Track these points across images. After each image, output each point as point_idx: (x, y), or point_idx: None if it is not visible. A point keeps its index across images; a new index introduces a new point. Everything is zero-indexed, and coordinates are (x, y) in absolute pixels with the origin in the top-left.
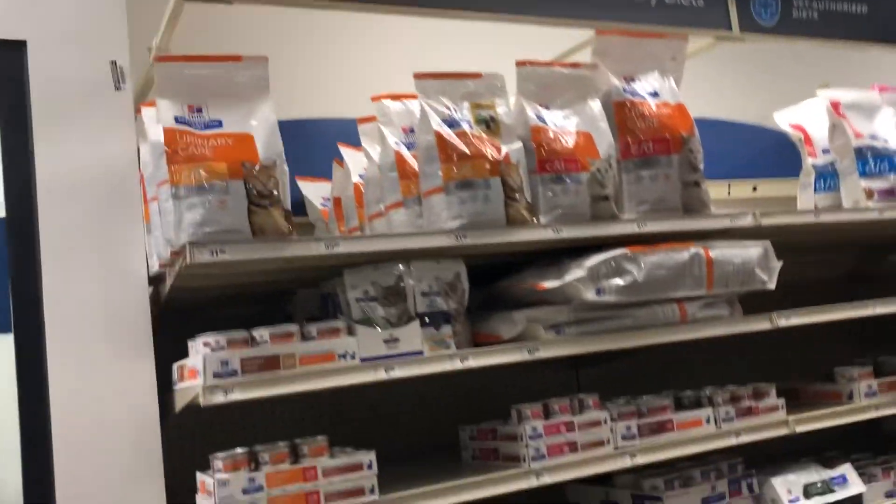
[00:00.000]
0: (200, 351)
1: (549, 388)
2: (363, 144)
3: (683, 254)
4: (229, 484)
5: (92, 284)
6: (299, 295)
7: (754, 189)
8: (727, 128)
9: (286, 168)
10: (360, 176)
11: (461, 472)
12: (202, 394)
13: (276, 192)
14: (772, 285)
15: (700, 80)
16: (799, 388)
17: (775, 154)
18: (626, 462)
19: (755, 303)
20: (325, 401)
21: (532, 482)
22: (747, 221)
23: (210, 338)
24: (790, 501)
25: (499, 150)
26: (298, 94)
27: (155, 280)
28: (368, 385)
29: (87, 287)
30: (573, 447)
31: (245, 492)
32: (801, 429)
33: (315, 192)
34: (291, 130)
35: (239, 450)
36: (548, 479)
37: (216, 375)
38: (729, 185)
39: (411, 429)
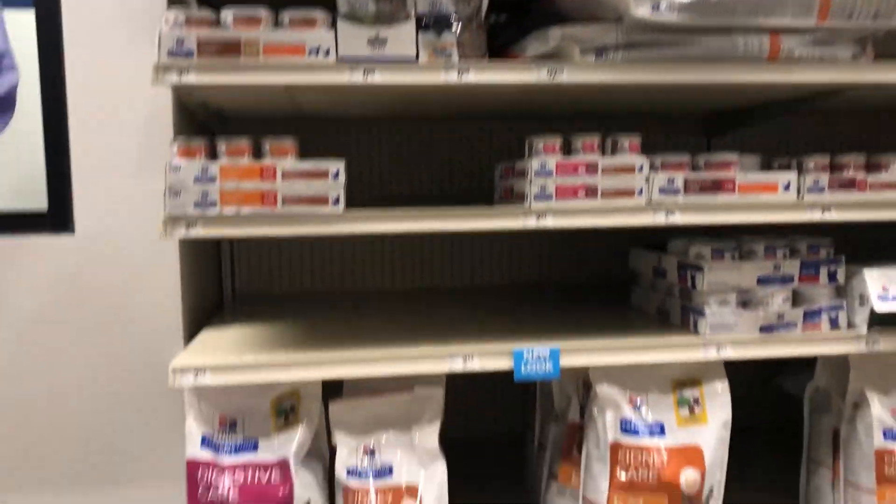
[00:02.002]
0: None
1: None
2: None
3: None
4: (181, 170)
5: None
6: None
7: None
8: None
9: None
10: None
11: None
12: (155, 74)
13: None
14: None
15: None
16: None
17: None
18: (661, 219)
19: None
20: None
21: (530, 222)
22: None
23: (171, 13)
24: (881, 298)
25: None
26: None
27: None
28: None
29: None
30: (591, 192)
31: (196, 180)
32: None
33: None
34: None
35: (199, 138)
36: (550, 222)
37: (171, 54)
38: None
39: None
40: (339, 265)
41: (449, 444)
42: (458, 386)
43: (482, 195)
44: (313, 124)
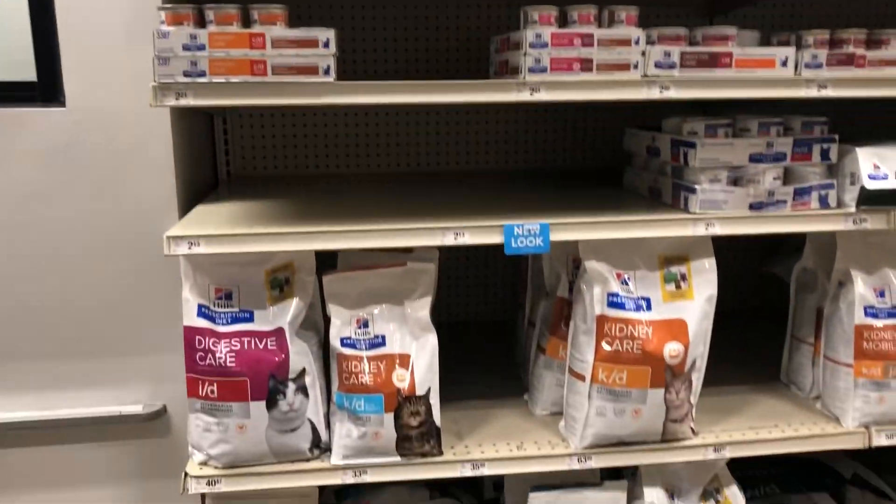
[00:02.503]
0: None
1: None
2: None
3: None
4: (170, 36)
5: None
6: None
7: None
8: None
9: None
10: None
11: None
12: None
13: None
14: None
15: None
16: None
17: None
18: (655, 93)
19: None
20: None
21: (524, 96)
22: None
23: None
24: (871, 177)
25: None
26: None
27: None
28: None
29: None
30: (587, 65)
31: (186, 48)
32: None
33: None
34: None
35: (186, 5)
36: (545, 96)
37: None
38: None
39: None
40: (334, 147)
41: (444, 327)
42: (455, 272)
43: (479, 71)
44: None
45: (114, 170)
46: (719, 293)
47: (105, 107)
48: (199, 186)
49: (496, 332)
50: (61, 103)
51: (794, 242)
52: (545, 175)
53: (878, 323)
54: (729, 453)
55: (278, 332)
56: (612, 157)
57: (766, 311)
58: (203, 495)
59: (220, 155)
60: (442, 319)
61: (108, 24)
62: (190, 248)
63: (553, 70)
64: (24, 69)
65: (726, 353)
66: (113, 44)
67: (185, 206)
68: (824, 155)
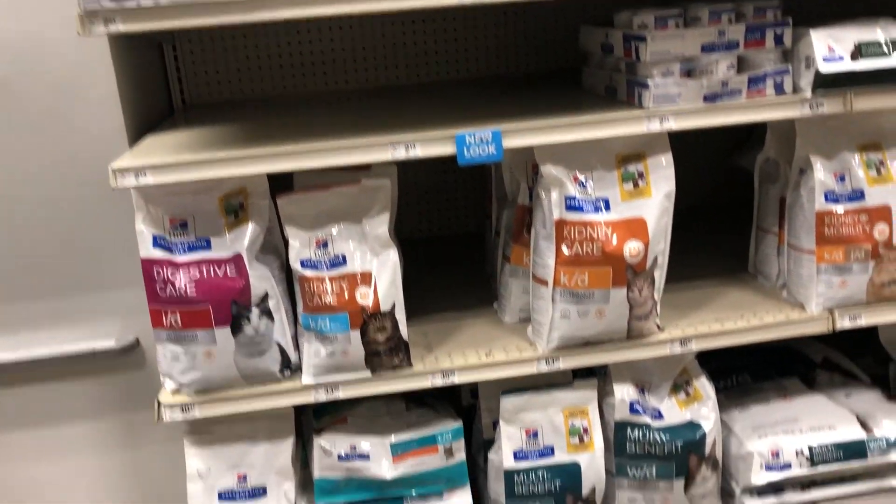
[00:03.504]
0: None
1: None
2: None
3: None
4: None
5: None
6: None
7: None
8: None
9: None
10: None
11: None
12: None
13: None
14: None
15: None
16: None
17: None
18: None
19: None
20: None
21: None
22: None
23: None
24: (826, 60)
25: None
26: None
27: None
28: None
29: None
30: None
31: None
32: None
33: None
34: None
35: None
36: None
37: None
38: None
39: None
40: (290, 67)
41: (417, 244)
42: (421, 186)
43: None
44: None
45: (55, 101)
46: (689, 190)
47: (38, 38)
48: (150, 117)
49: (468, 245)
50: None
51: (760, 133)
52: (505, 81)
53: (839, 208)
54: (695, 346)
55: (237, 258)
56: (574, 58)
57: (736, 206)
58: (187, 423)
59: (174, 83)
60: (415, 236)
61: None
62: (137, 178)
63: None
64: None
65: (696, 248)
66: None
67: (136, 137)
68: (778, 40)
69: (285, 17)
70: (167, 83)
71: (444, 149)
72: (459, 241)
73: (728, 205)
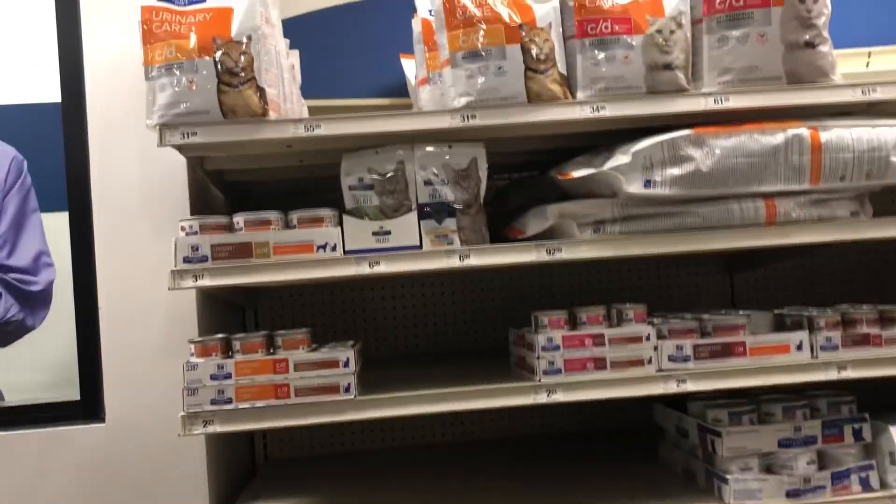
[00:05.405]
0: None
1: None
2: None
3: (776, 136)
4: (198, 368)
5: (133, 165)
6: None
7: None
8: None
9: (273, 45)
10: None
11: (481, 379)
12: (171, 278)
13: (246, 72)
14: None
15: None
16: None
17: None
18: (672, 387)
19: None
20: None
21: (541, 398)
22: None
23: (187, 222)
24: None
25: (522, 10)
26: None
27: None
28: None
29: (130, 168)
30: (600, 364)
31: (213, 378)
32: None
33: (411, 69)
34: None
35: (216, 335)
36: (561, 397)
37: (186, 260)
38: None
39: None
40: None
41: None
42: None
43: (497, 356)
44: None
45: (148, 484)
46: None
47: (141, 422)
48: (233, 479)
49: None
50: (101, 419)
51: None
52: (570, 441)
53: None
54: None
55: None
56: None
57: None
58: None
59: (258, 440)
60: None
61: (147, 345)
62: None
63: (568, 371)
64: (68, 387)
65: None
66: (151, 363)
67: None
68: (857, 435)
69: (371, 417)
70: (251, 437)
71: None
72: None
73: None
